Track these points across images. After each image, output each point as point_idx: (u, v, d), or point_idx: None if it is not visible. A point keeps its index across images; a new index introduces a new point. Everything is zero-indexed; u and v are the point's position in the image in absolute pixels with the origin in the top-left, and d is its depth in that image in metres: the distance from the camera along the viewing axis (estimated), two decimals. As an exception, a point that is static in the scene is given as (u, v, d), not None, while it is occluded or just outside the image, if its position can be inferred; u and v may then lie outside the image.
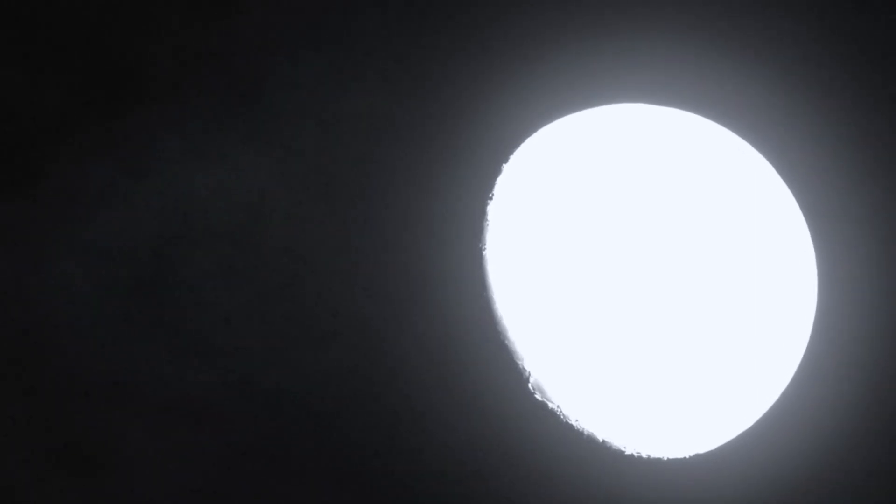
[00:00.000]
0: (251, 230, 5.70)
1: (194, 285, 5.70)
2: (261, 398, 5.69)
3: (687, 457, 5.54)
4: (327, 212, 5.68)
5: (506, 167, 5.66)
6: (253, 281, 5.70)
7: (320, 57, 5.56)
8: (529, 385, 5.58)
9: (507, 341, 5.60)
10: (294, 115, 5.64)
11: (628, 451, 5.54)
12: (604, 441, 5.54)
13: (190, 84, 5.62)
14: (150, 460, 5.63)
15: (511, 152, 5.66)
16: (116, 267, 5.72)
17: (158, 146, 5.68)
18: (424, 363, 5.65)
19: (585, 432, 5.56)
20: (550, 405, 5.57)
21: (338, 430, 5.71)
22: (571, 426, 5.56)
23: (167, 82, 5.61)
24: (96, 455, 5.66)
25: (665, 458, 5.54)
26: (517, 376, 5.60)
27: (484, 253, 5.63)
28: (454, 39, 5.64)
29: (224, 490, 5.65)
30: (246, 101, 5.63)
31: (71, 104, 5.64)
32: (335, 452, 5.70)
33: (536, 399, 5.58)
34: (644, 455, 5.54)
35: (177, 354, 5.68)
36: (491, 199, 5.64)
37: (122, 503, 5.62)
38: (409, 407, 5.68)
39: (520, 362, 5.60)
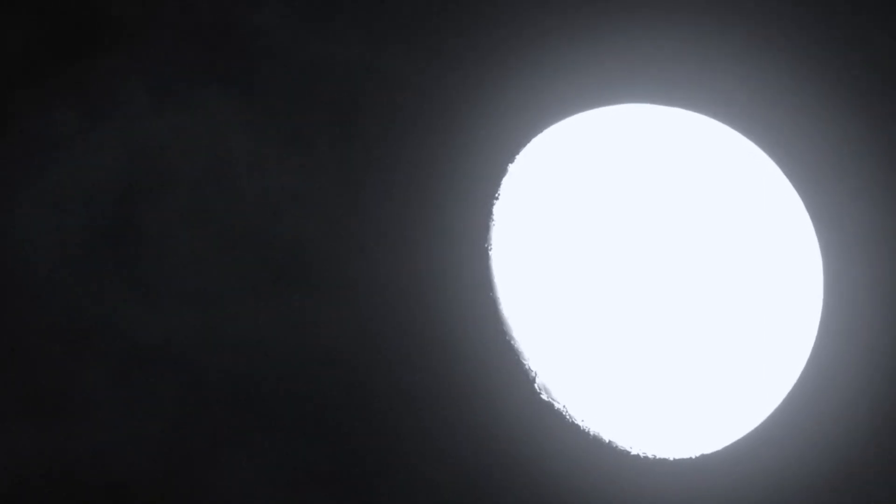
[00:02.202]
0: (216, 176, 5.67)
1: (158, 231, 5.66)
2: (225, 345, 5.63)
3: (693, 457, 5.53)
4: (299, 160, 5.65)
5: (512, 167, 5.66)
6: (218, 227, 5.65)
7: (291, 2, 5.56)
8: (535, 385, 5.57)
9: (512, 341, 5.59)
10: (261, 60, 5.62)
11: (634, 452, 5.53)
12: (610, 441, 5.53)
13: (154, 28, 5.60)
14: (113, 406, 5.58)
15: (517, 152, 5.66)
16: (79, 212, 5.67)
17: (122, 91, 5.66)
18: (427, 363, 5.62)
19: (591, 432, 5.54)
20: (556, 405, 5.56)
21: (310, 384, 5.65)
22: (577, 426, 5.55)
23: (131, 26, 5.60)
24: (58, 401, 5.60)
25: (671, 459, 5.53)
26: (523, 376, 5.59)
27: (490, 253, 5.62)
28: (459, 39, 5.65)
29: (187, 437, 5.59)
30: (211, 45, 5.62)
31: (33, 48, 5.61)
32: (304, 402, 5.62)
33: (542, 399, 5.56)
34: (650, 455, 5.53)
35: (140, 300, 5.63)
36: (497, 199, 5.64)
37: (83, 449, 5.56)
38: (410, 405, 5.64)
39: (525, 362, 5.58)
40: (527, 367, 5.59)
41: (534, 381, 5.58)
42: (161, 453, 5.61)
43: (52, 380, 5.61)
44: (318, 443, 5.61)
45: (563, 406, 5.56)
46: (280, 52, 5.67)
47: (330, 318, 5.63)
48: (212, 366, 5.62)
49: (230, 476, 5.59)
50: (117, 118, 5.67)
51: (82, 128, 5.68)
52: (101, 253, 5.66)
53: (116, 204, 5.69)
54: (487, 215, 5.64)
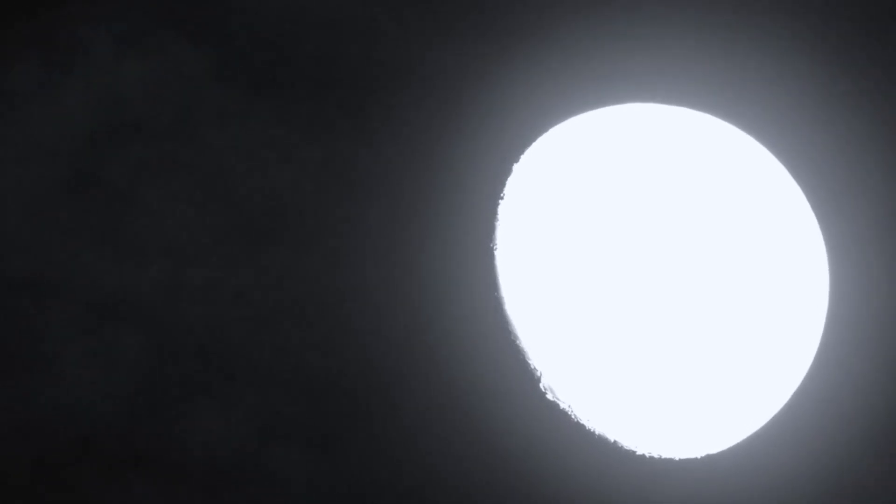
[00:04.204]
0: (184, 126, 5.59)
1: (125, 182, 5.57)
2: (193, 297, 5.55)
3: (698, 457, 5.53)
4: (269, 110, 5.59)
5: (516, 167, 5.65)
6: (186, 178, 5.57)
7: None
8: (541, 385, 5.55)
9: (517, 341, 5.57)
10: (233, 5, 5.56)
11: (640, 452, 5.52)
12: (615, 441, 5.52)
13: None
14: (80, 358, 5.50)
15: (522, 152, 5.66)
16: (44, 164, 5.58)
17: (87, 40, 5.58)
18: (432, 363, 5.60)
19: (597, 432, 5.53)
20: (562, 405, 5.54)
21: (280, 338, 5.58)
22: (583, 426, 5.54)
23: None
24: (23, 353, 5.51)
25: (677, 459, 5.52)
26: (528, 376, 5.57)
27: (495, 252, 5.61)
28: (464, 39, 5.64)
29: (154, 390, 5.52)
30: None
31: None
32: (275, 356, 5.56)
33: (548, 399, 5.55)
34: (656, 455, 5.52)
35: (106, 253, 5.55)
36: (502, 199, 5.63)
37: (49, 402, 5.48)
38: (412, 406, 5.61)
39: (530, 362, 5.57)
40: (532, 366, 5.57)
41: (539, 380, 5.56)
42: (128, 406, 5.53)
43: (17, 332, 5.52)
44: (288, 397, 5.53)
45: (569, 406, 5.55)
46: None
47: (302, 270, 5.56)
48: (179, 318, 5.54)
49: (197, 429, 5.52)
50: (82, 68, 5.58)
51: (46, 79, 5.59)
52: (67, 204, 5.57)
53: (82, 155, 5.60)
54: (492, 215, 5.63)
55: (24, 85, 5.59)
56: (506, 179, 5.64)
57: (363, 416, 5.54)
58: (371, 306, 5.59)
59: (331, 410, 5.57)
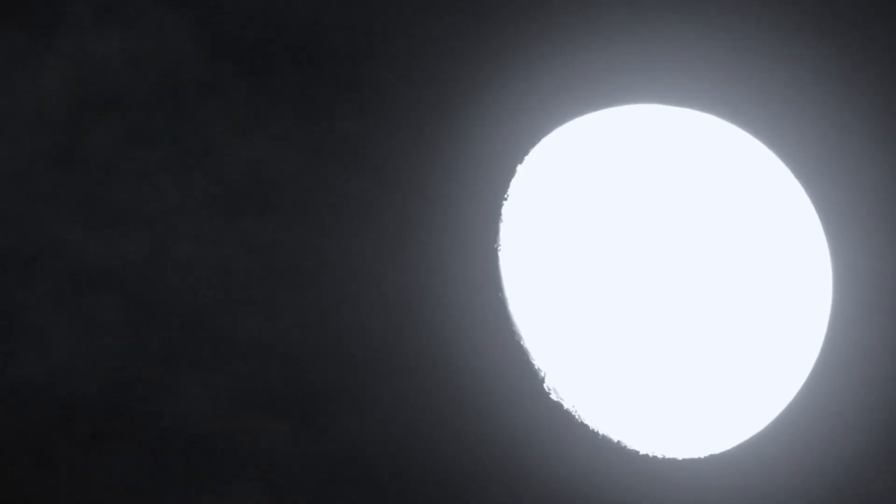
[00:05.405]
0: (168, 98, 5.57)
1: (106, 154, 5.54)
2: (176, 268, 5.53)
3: (702, 457, 5.54)
4: (255, 82, 5.57)
5: (520, 168, 5.66)
6: (169, 150, 5.55)
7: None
8: (544, 385, 5.56)
9: (521, 341, 5.58)
10: None
11: (643, 452, 5.53)
12: (619, 441, 5.53)
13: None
14: (60, 331, 5.50)
15: (526, 153, 5.66)
16: (25, 135, 5.57)
17: (67, 9, 5.56)
18: (433, 362, 5.61)
19: (600, 433, 5.54)
20: (565, 406, 5.56)
21: (265, 309, 5.57)
22: (587, 426, 5.55)
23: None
24: (3, 325, 5.50)
25: (680, 459, 5.54)
26: (532, 377, 5.58)
27: (498, 253, 5.62)
28: (468, 39, 5.65)
29: (136, 362, 5.52)
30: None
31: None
32: (263, 330, 5.55)
33: (551, 400, 5.56)
34: (659, 455, 5.54)
35: (88, 223, 5.53)
36: (506, 199, 5.64)
37: (29, 374, 5.48)
38: (410, 404, 5.63)
39: (534, 363, 5.58)
40: (536, 367, 5.58)
41: (543, 381, 5.58)
42: (110, 377, 5.53)
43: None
44: (272, 370, 5.53)
45: (572, 406, 5.56)
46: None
47: (289, 243, 5.55)
48: (162, 290, 5.53)
49: (180, 401, 5.52)
50: (62, 39, 5.55)
51: (26, 49, 5.56)
52: (48, 176, 5.55)
53: (64, 126, 5.57)
54: (496, 216, 5.63)
55: (4, 55, 5.56)
56: (510, 180, 5.65)
57: (352, 405, 5.54)
58: (369, 304, 5.60)
59: (317, 393, 5.57)
